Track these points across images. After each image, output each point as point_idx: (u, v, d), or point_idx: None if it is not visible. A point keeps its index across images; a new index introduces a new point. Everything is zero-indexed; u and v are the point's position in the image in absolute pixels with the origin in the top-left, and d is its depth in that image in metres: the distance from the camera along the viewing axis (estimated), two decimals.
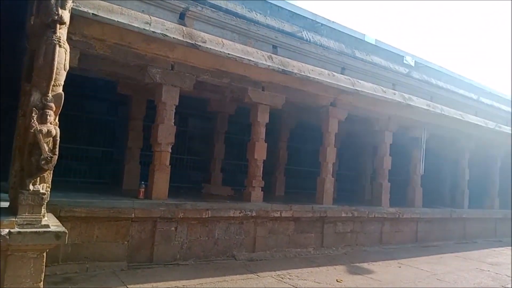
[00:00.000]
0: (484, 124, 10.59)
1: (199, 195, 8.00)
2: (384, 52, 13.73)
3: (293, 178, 10.93)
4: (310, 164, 10.39)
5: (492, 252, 9.58)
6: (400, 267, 7.27)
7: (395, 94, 8.67)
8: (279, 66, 6.71)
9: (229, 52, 6.15)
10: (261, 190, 7.29)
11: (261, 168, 7.31)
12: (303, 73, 6.95)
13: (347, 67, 8.55)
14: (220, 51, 6.06)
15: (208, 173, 9.18)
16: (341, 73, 8.11)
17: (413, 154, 10.07)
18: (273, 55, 6.91)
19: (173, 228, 6.03)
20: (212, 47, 5.98)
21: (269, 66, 6.60)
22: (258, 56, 6.59)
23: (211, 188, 8.60)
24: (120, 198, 6.00)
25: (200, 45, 5.87)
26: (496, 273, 7.19)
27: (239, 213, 6.61)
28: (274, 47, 7.48)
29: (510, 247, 10.39)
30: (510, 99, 15.53)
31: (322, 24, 12.05)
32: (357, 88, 7.73)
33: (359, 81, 7.98)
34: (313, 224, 7.80)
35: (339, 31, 12.83)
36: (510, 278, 6.84)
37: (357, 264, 7.19)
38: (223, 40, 6.34)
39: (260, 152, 7.24)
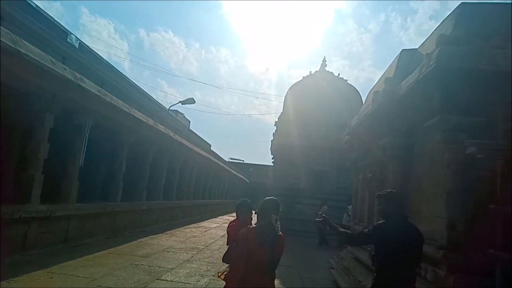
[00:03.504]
0: (146, 120, 11.07)
1: None
2: (46, 21, 11.61)
3: None
4: None
5: (140, 243, 10.00)
6: (52, 278, 5.97)
7: (65, 69, 7.26)
8: None
9: None
10: None
11: None
12: None
13: (6, 16, 6.27)
14: None
15: None
16: None
17: (75, 143, 8.90)
18: None
19: None
20: None
21: None
22: None
23: None
24: None
25: None
26: (149, 266, 7.40)
27: None
28: None
29: (153, 236, 11.38)
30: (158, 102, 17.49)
31: None
32: (19, 49, 5.75)
33: (23, 41, 6.01)
34: None
35: None
36: (162, 269, 7.23)
37: None
38: None
39: None
